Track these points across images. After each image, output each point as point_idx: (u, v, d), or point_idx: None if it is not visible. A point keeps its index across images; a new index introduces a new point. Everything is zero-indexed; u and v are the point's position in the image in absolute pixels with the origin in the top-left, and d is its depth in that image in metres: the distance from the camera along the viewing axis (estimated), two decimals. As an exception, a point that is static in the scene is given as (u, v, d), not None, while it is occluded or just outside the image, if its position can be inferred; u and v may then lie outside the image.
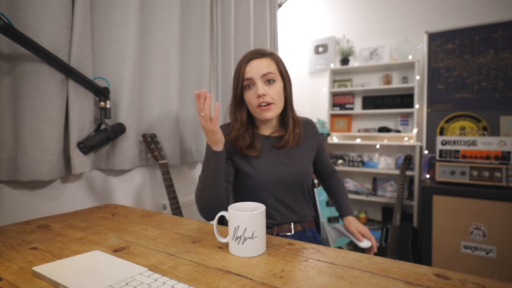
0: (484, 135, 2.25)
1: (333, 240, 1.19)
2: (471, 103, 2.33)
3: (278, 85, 0.96)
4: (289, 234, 1.02)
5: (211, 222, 0.92)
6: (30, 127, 1.00)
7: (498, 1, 2.43)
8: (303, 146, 1.07)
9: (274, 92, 0.95)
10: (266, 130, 1.05)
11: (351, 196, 2.80)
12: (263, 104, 0.94)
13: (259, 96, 0.93)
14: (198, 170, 1.85)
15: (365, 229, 1.05)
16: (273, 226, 1.00)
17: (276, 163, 1.01)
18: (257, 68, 0.94)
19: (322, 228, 1.22)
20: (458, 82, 2.38)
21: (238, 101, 0.99)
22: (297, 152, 1.04)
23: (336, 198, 1.19)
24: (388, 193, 2.74)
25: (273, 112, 0.96)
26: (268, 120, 1.01)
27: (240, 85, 0.96)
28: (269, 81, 0.95)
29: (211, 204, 0.87)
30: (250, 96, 0.96)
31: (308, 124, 1.12)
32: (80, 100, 1.14)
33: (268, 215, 0.99)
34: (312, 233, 1.07)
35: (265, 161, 1.00)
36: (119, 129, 1.26)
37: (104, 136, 1.19)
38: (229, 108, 1.04)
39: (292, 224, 1.02)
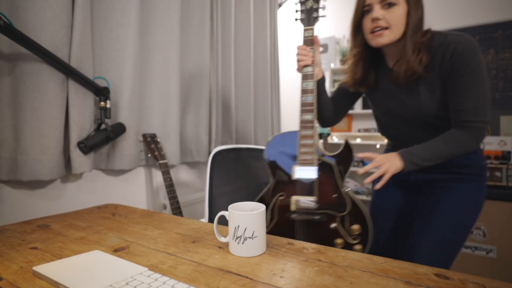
0: (484, 135, 2.25)
1: None
2: (471, 103, 2.33)
3: (400, 9, 0.88)
4: None
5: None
6: (30, 127, 1.00)
7: (498, 1, 2.43)
8: (428, 80, 0.91)
9: (392, 16, 0.88)
10: (390, 62, 1.00)
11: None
12: (376, 30, 0.90)
13: (372, 20, 0.90)
14: (198, 170, 1.85)
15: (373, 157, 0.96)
16: None
17: (390, 100, 1.01)
18: None
19: None
20: (458, 82, 2.37)
21: (355, 30, 0.99)
22: (418, 88, 0.93)
23: None
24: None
25: (386, 38, 0.90)
26: (384, 47, 0.94)
27: (359, 11, 0.94)
28: (389, 5, 0.88)
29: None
30: (365, 22, 0.94)
31: (444, 47, 0.87)
32: (80, 100, 1.14)
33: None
34: None
35: (381, 95, 1.04)
36: (119, 129, 1.26)
37: (104, 136, 1.19)
38: None
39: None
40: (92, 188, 1.29)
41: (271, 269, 0.60)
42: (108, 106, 1.20)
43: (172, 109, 1.55)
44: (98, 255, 0.65)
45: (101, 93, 1.19)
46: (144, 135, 1.43)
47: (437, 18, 2.66)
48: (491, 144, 1.93)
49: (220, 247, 0.72)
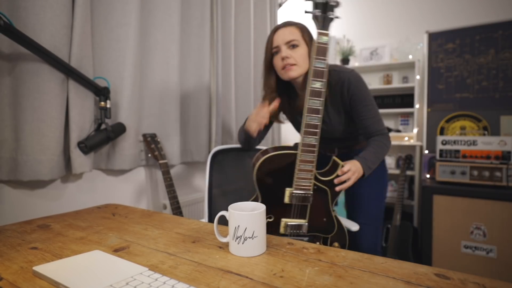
0: (484, 134, 2.25)
1: None
2: (471, 103, 2.33)
3: (302, 49, 1.08)
4: (333, 154, 1.28)
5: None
6: (31, 127, 1.00)
7: (498, 1, 2.43)
8: (334, 106, 1.15)
9: (297, 55, 1.07)
10: (300, 93, 1.18)
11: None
12: (286, 66, 1.07)
13: (283, 59, 1.07)
14: (198, 170, 1.86)
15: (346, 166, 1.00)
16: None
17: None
18: (282, 35, 1.08)
19: None
20: (459, 82, 2.38)
21: (267, 68, 1.16)
22: (328, 114, 1.16)
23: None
24: (388, 193, 2.74)
25: (295, 72, 1.07)
26: (295, 79, 1.11)
27: (269, 53, 1.13)
28: (293, 46, 1.07)
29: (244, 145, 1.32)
30: (276, 61, 1.11)
31: (340, 83, 1.09)
32: (80, 100, 1.14)
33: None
34: (356, 152, 1.18)
35: (298, 121, 1.23)
36: (119, 129, 1.26)
37: (104, 136, 1.19)
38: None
39: (336, 149, 1.30)
40: (92, 188, 1.29)
41: (271, 269, 0.60)
42: (108, 106, 1.20)
43: (172, 109, 1.55)
44: (98, 255, 0.65)
45: (101, 93, 1.19)
46: (144, 135, 1.43)
47: (438, 18, 2.66)
48: (491, 144, 1.93)
49: (220, 247, 0.72)
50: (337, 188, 0.99)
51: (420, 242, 2.21)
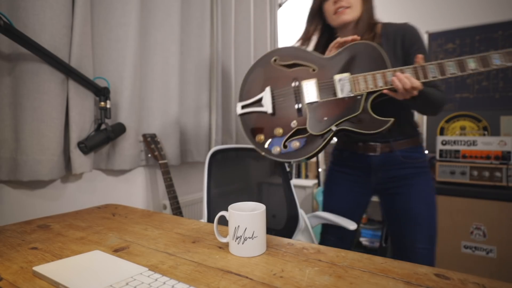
0: (484, 135, 2.25)
1: (312, 227, 1.25)
2: (471, 103, 2.33)
3: None
4: (373, 154, 1.07)
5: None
6: (30, 127, 1.00)
7: (498, 1, 2.43)
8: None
9: None
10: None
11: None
12: (339, 9, 1.02)
13: (335, 2, 1.02)
14: (198, 170, 1.85)
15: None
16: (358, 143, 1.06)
17: None
18: None
19: (301, 217, 1.24)
20: (458, 82, 2.38)
21: (313, 14, 1.11)
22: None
23: None
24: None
25: (349, 15, 1.02)
26: (346, 26, 1.05)
27: None
28: None
29: None
30: (327, 6, 1.06)
31: (395, 34, 1.01)
32: (80, 100, 1.14)
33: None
34: (402, 153, 1.05)
35: None
36: (119, 129, 1.26)
37: (104, 136, 1.19)
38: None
39: (378, 144, 1.06)
40: (92, 188, 1.29)
41: (271, 269, 0.60)
42: (108, 106, 1.20)
43: (172, 109, 1.55)
44: (98, 255, 0.65)
45: (101, 93, 1.19)
46: (144, 135, 1.43)
47: (438, 18, 2.66)
48: (491, 144, 1.93)
49: (220, 247, 0.72)
50: (392, 79, 0.85)
51: (420, 242, 2.21)
